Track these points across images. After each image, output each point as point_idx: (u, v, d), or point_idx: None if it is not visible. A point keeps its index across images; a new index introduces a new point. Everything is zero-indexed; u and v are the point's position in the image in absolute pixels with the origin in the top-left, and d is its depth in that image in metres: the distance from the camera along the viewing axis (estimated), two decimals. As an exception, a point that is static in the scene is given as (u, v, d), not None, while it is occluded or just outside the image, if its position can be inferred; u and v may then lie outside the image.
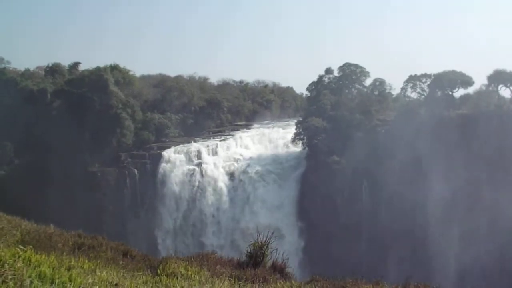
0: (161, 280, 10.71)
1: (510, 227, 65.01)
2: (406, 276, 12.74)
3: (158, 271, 11.96)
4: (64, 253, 12.75)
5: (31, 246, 10.31)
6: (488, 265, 64.61)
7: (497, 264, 64.88)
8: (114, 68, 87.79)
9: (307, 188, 77.15)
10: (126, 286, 9.33)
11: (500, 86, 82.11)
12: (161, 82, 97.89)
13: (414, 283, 12.21)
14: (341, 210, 74.19)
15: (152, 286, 9.93)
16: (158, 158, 79.46)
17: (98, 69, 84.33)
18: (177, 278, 11.15)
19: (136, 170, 79.13)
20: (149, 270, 12.42)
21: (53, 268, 9.02)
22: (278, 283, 11.64)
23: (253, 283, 11.80)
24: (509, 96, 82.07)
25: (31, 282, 8.18)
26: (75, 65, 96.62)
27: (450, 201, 69.25)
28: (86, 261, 11.47)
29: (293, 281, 12.10)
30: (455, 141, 71.04)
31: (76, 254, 13.43)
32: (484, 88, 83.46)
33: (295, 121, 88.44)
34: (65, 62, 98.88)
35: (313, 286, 11.90)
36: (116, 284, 9.27)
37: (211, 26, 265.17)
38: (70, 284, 8.49)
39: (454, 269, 63.56)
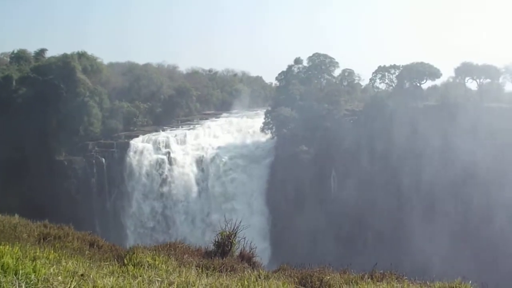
0: (127, 270, 10.65)
1: (478, 209, 66.37)
2: (373, 264, 12.81)
3: (125, 260, 11.88)
4: (29, 243, 12.57)
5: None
6: (455, 252, 65.53)
7: (465, 251, 65.83)
8: (81, 55, 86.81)
9: (276, 177, 77.39)
10: (92, 276, 9.24)
11: (467, 78, 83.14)
12: (129, 70, 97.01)
13: (380, 271, 12.27)
14: (309, 199, 74.51)
15: (118, 276, 9.85)
16: (126, 147, 78.90)
17: (65, 56, 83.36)
18: (144, 267, 11.10)
19: (103, 159, 78.48)
20: (116, 260, 12.33)
21: (16, 259, 8.90)
22: (245, 272, 11.63)
23: (221, 272, 11.80)
24: (476, 89, 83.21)
25: (-7, 273, 8.06)
26: (42, 52, 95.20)
27: (420, 189, 70.10)
28: (52, 251, 11.34)
29: (260, 270, 12.11)
30: (422, 131, 71.84)
31: (42, 244, 13.30)
32: (451, 80, 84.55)
33: (264, 110, 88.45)
34: (31, 48, 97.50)
35: (281, 274, 11.91)
36: (82, 275, 9.17)
37: (179, 13, 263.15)
38: (34, 275, 8.37)
39: (422, 256, 64.39)
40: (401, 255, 60.63)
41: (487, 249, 65.82)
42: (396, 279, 11.60)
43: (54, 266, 9.30)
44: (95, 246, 15.10)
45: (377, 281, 11.40)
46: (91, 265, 10.90)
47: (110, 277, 9.47)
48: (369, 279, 11.59)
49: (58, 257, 10.80)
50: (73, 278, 8.80)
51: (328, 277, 11.24)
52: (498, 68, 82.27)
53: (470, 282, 10.39)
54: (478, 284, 10.65)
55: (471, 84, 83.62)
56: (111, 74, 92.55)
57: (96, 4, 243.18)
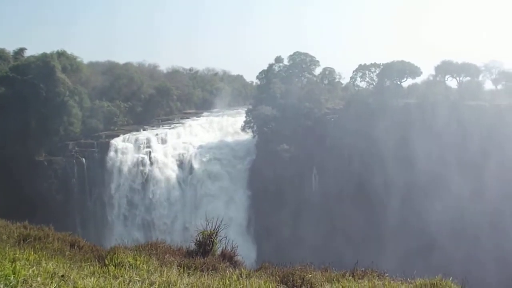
0: (108, 270, 10.59)
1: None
2: (355, 262, 12.86)
3: (106, 261, 11.80)
4: (8, 245, 12.47)
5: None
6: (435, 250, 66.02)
7: (444, 249, 66.30)
8: (61, 54, 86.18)
9: (257, 176, 77.42)
10: (72, 277, 9.18)
11: (447, 76, 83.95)
12: (109, 69, 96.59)
13: (362, 268, 12.32)
14: (291, 198, 74.64)
15: (99, 277, 9.80)
16: (106, 147, 78.47)
17: (44, 55, 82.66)
18: (125, 268, 11.04)
19: (84, 159, 77.99)
20: (97, 260, 12.25)
21: (-5, 261, 8.82)
22: (227, 271, 11.61)
23: (202, 271, 11.77)
24: (456, 87, 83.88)
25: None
26: (20, 51, 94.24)
27: (400, 187, 70.52)
28: (32, 252, 11.26)
29: (242, 269, 12.08)
30: (403, 129, 72.26)
31: (21, 246, 13.16)
32: (431, 78, 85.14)
33: (245, 109, 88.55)
34: (10, 47, 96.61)
35: (262, 273, 11.91)
36: (62, 276, 9.11)
37: (160, 12, 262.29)
38: (14, 276, 8.31)
39: (403, 251, 64.82)
40: (383, 252, 60.99)
41: (472, 246, 66.49)
42: (378, 276, 11.64)
43: (34, 268, 9.23)
44: (75, 247, 14.97)
45: (359, 278, 11.44)
46: (72, 266, 10.82)
47: (90, 278, 9.42)
48: (351, 277, 11.63)
49: (38, 258, 10.72)
50: (53, 279, 8.74)
51: (310, 275, 11.24)
52: (477, 67, 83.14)
53: (451, 278, 10.45)
54: (459, 280, 10.71)
55: (451, 82, 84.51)
56: (91, 73, 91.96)
57: (76, 3, 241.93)
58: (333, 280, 11.28)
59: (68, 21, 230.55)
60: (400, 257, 59.72)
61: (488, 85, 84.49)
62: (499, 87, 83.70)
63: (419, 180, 70.20)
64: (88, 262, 11.76)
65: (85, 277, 9.47)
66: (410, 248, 66.13)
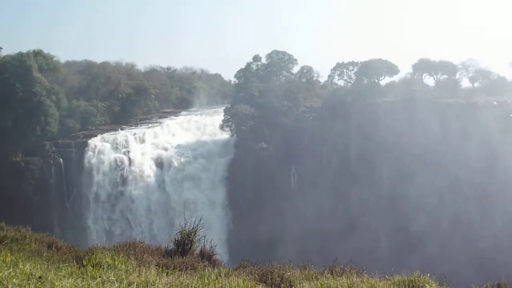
0: (86, 271, 10.55)
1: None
2: (333, 259, 12.93)
3: (84, 261, 11.75)
4: (-15, 246, 12.36)
5: None
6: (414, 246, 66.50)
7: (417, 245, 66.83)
8: (37, 53, 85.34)
9: (236, 174, 77.40)
10: (50, 278, 9.13)
11: (424, 74, 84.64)
12: (86, 69, 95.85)
13: (340, 266, 12.40)
14: (269, 196, 74.71)
15: (77, 278, 9.76)
16: (84, 147, 77.85)
17: (20, 54, 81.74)
18: (103, 268, 11.01)
19: (61, 159, 77.27)
20: (75, 261, 12.19)
21: (-29, 263, 8.75)
22: (206, 270, 11.62)
23: (181, 271, 11.77)
24: (433, 84, 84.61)
25: None
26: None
27: (379, 184, 70.94)
28: (8, 254, 11.19)
29: (221, 268, 12.11)
30: (380, 127, 72.68)
31: (-2, 247, 13.06)
32: (409, 76, 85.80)
33: (223, 108, 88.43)
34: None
35: (241, 272, 11.93)
36: (39, 277, 9.06)
37: (137, 11, 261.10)
38: (-10, 278, 8.25)
39: (384, 248, 65.26)
40: (363, 249, 61.24)
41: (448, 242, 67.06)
42: (356, 273, 11.71)
43: (11, 269, 9.18)
44: (53, 248, 14.91)
45: (337, 276, 11.51)
46: (49, 267, 10.77)
47: (68, 279, 9.38)
48: (329, 274, 11.70)
49: (15, 260, 10.66)
50: (30, 280, 8.69)
51: (289, 273, 11.29)
52: (455, 65, 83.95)
53: (428, 274, 10.55)
54: (437, 276, 10.81)
55: (429, 80, 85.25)
56: (68, 72, 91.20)
57: (51, 1, 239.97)
58: (312, 277, 11.34)
59: (45, 21, 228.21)
60: (380, 254, 60.11)
61: (465, 83, 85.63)
62: (476, 84, 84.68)
63: (397, 177, 70.60)
64: (66, 263, 11.70)
65: (62, 278, 9.43)
66: (391, 244, 66.57)
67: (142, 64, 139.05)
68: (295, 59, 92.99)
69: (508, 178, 65.67)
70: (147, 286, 9.37)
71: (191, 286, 9.72)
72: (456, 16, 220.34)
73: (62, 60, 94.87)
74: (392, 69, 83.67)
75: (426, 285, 10.09)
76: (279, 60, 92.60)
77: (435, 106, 74.74)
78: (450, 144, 69.91)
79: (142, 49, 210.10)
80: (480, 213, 67.33)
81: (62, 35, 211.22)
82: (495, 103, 75.85)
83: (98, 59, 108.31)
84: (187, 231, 14.23)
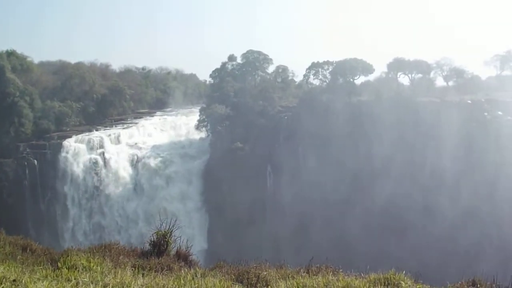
0: (61, 273, 10.46)
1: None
2: (310, 259, 12.95)
3: (59, 264, 11.65)
4: (-43, 249, 12.22)
5: None
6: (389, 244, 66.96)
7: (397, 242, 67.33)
8: (10, 54, 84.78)
9: (212, 174, 77.32)
10: (24, 281, 9.06)
11: (399, 73, 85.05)
12: (61, 69, 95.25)
13: (316, 265, 12.43)
14: (246, 196, 74.71)
15: (52, 280, 9.68)
16: (58, 148, 77.28)
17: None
18: (78, 270, 10.92)
19: (35, 161, 76.59)
20: (49, 263, 12.09)
21: None
22: (182, 271, 11.59)
23: (157, 272, 11.72)
24: (408, 83, 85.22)
25: None
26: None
27: (354, 183, 71.28)
28: (-18, 257, 11.06)
29: (197, 268, 12.09)
30: (356, 126, 73.08)
31: (-29, 250, 12.93)
32: (384, 75, 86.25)
33: (199, 108, 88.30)
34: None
35: (218, 272, 11.92)
36: (14, 280, 8.99)
37: (112, 10, 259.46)
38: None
39: (358, 246, 65.58)
40: (340, 248, 61.55)
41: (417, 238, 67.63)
42: (332, 272, 11.75)
43: (-16, 273, 9.08)
44: (28, 251, 14.76)
45: (313, 274, 11.54)
46: (24, 270, 10.67)
47: (43, 282, 9.32)
48: (305, 273, 11.73)
49: (-12, 264, 10.54)
50: (4, 284, 8.61)
51: (265, 273, 11.30)
52: (429, 64, 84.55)
53: (404, 272, 10.62)
54: (412, 274, 10.89)
55: (403, 79, 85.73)
56: (42, 73, 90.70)
57: (26, 2, 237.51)
58: (288, 276, 11.35)
59: (20, 21, 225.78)
60: (359, 251, 60.42)
61: (440, 82, 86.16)
62: (450, 83, 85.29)
63: (373, 174, 71.01)
64: (40, 266, 11.61)
65: (37, 281, 9.36)
66: (368, 242, 66.98)
67: (116, 64, 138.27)
68: (271, 59, 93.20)
69: (481, 175, 66.32)
70: (123, 287, 9.33)
71: (167, 287, 9.70)
72: (430, 16, 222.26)
73: (36, 60, 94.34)
74: (367, 69, 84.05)
75: (402, 282, 10.16)
76: (255, 60, 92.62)
77: (410, 105, 75.31)
78: (424, 142, 70.44)
79: (117, 49, 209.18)
80: (451, 208, 67.86)
81: (36, 36, 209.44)
82: (469, 101, 76.55)
83: (72, 59, 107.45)
84: (163, 231, 14.16)
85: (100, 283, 9.41)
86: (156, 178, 77.77)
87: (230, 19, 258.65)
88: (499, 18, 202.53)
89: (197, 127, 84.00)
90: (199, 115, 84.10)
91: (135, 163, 78.73)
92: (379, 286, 10.05)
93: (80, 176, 76.46)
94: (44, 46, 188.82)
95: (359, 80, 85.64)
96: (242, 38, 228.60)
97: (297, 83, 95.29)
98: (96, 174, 76.79)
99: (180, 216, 63.70)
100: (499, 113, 73.80)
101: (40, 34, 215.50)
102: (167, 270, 12.11)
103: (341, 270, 11.95)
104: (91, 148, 77.92)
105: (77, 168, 76.44)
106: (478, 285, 10.64)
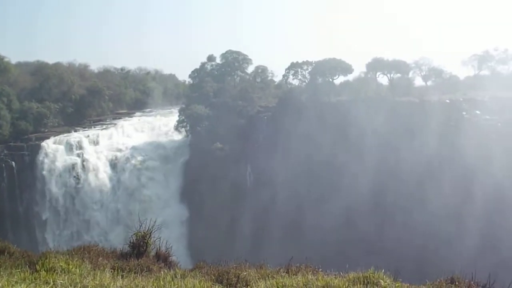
0: (40, 276, 10.39)
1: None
2: (289, 258, 12.99)
3: (38, 266, 11.56)
4: None
5: None
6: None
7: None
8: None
9: (191, 175, 77.25)
10: (1, 284, 8.98)
11: (378, 73, 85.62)
12: (38, 70, 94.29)
13: (296, 264, 12.47)
14: (226, 196, 74.69)
15: (30, 283, 9.61)
16: (37, 149, 76.65)
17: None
18: (57, 272, 10.85)
19: (13, 163, 75.80)
20: (28, 266, 12.00)
21: None
22: (162, 272, 11.57)
23: (136, 273, 11.68)
24: (387, 83, 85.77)
25: None
26: None
27: (334, 183, 71.48)
28: (-42, 261, 10.95)
29: (177, 269, 12.07)
30: (335, 125, 73.34)
31: None
32: (363, 75, 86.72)
33: (178, 108, 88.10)
34: None
35: (197, 273, 11.91)
36: (-9, 283, 8.91)
37: (90, 11, 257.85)
38: None
39: (335, 244, 65.82)
40: (320, 247, 61.67)
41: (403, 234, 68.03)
42: (312, 271, 11.79)
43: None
44: (5, 253, 14.62)
45: (293, 274, 11.57)
46: (1, 273, 10.61)
47: (21, 285, 9.26)
48: (285, 273, 11.76)
49: (-35, 267, 10.45)
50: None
51: (245, 273, 11.32)
52: (408, 64, 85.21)
53: (383, 270, 10.68)
54: (391, 272, 10.95)
55: (382, 79, 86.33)
56: (19, 74, 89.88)
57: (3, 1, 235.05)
58: (268, 276, 11.37)
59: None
60: (328, 251, 60.58)
61: (418, 82, 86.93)
62: (429, 83, 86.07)
63: (352, 173, 71.27)
64: (18, 269, 11.50)
65: (15, 284, 9.30)
66: (346, 240, 67.27)
67: (95, 64, 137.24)
68: (250, 59, 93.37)
69: (459, 173, 66.85)
70: (102, 289, 9.29)
71: (146, 289, 9.68)
72: (409, 17, 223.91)
73: (13, 61, 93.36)
74: (346, 69, 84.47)
75: (381, 281, 10.22)
76: (234, 60, 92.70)
77: (389, 104, 75.77)
78: (403, 141, 70.80)
79: (95, 49, 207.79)
80: (429, 205, 68.31)
81: (13, 35, 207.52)
82: (448, 101, 77.18)
83: (50, 60, 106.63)
84: (142, 233, 14.11)
85: (79, 285, 9.37)
86: (135, 179, 77.45)
87: (210, 19, 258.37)
88: (477, 18, 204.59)
89: (177, 128, 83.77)
90: (179, 116, 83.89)
91: (114, 164, 78.32)
92: (359, 285, 10.11)
93: (59, 178, 75.88)
94: (21, 47, 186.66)
95: (338, 80, 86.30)
96: (222, 39, 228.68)
97: (276, 83, 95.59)
98: (75, 175, 76.26)
99: (160, 217, 63.48)
100: (477, 112, 74.49)
101: (17, 35, 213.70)
102: (146, 271, 12.07)
103: (320, 270, 11.99)
104: (70, 150, 77.39)
105: (56, 169, 75.86)
106: (457, 283, 10.73)
